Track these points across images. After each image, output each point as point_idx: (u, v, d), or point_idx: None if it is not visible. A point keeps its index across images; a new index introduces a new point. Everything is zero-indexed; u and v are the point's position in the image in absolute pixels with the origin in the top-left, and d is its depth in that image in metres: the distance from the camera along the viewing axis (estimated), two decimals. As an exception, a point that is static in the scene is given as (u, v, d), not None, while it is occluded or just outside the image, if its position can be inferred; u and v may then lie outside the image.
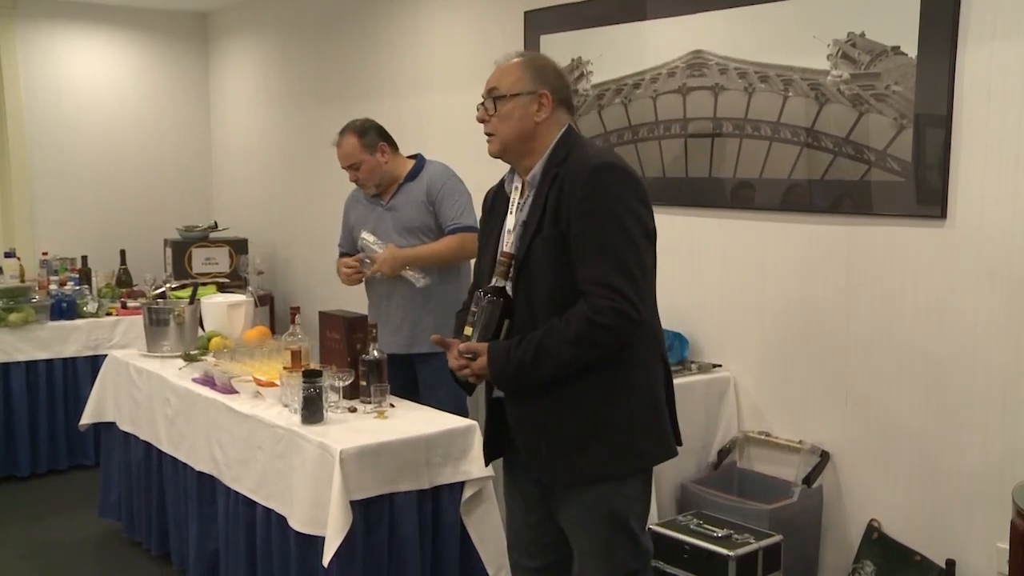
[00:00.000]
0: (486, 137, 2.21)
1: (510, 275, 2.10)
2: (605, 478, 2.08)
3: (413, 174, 3.58)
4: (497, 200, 2.28)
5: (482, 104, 2.20)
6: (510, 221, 2.17)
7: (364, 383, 3.00)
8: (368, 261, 3.47)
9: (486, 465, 2.42)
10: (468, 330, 2.11)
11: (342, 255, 3.79)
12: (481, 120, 2.20)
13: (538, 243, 2.06)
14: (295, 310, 3.49)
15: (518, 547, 2.34)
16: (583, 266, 2.00)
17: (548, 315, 2.03)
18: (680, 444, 2.23)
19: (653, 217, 2.11)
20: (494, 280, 2.11)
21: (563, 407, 2.06)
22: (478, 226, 3.49)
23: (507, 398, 2.16)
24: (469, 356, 2.09)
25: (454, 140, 4.66)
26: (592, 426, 2.06)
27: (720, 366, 3.61)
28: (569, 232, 2.01)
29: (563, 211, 2.02)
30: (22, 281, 5.11)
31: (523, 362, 2.01)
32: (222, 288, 5.21)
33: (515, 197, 2.19)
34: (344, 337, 3.05)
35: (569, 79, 2.28)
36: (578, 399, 2.06)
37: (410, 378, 3.52)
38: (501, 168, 2.28)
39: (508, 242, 2.15)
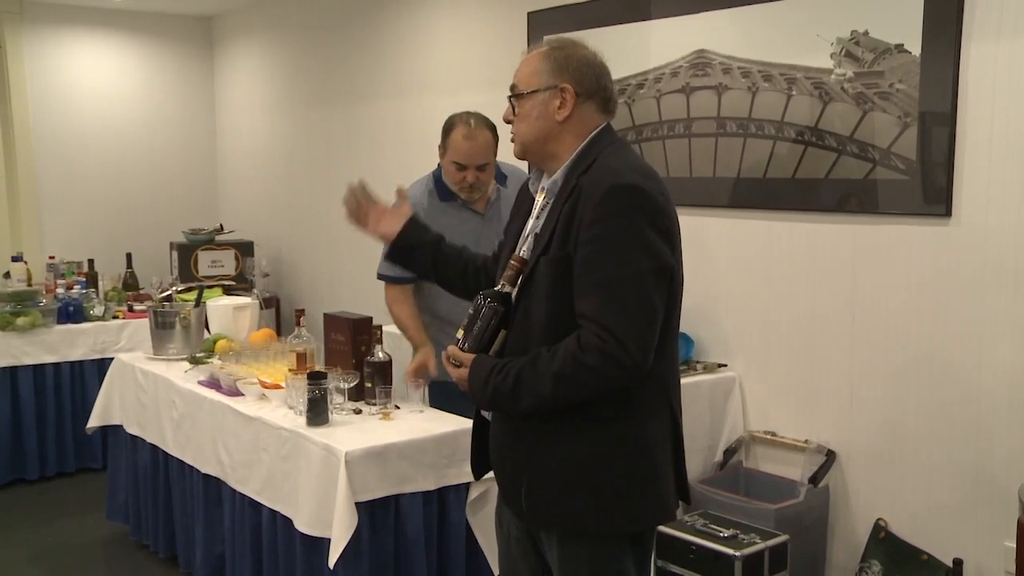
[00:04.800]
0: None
1: (518, 283, 1.90)
2: (583, 534, 1.88)
3: (500, 177, 3.20)
4: (526, 195, 2.06)
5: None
6: (528, 226, 1.98)
7: (369, 385, 3.00)
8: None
9: (476, 479, 2.22)
10: (460, 332, 1.93)
11: (395, 281, 3.14)
12: (506, 120, 1.98)
13: (543, 263, 1.84)
14: (300, 312, 3.49)
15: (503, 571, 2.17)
16: (580, 297, 1.78)
17: (541, 343, 1.83)
18: (688, 501, 2.03)
19: (675, 252, 1.85)
20: (500, 284, 1.90)
21: (546, 452, 1.87)
22: None
23: (491, 428, 2.01)
24: (455, 363, 1.92)
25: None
26: (574, 477, 1.85)
27: (725, 366, 3.60)
28: (575, 256, 1.80)
29: (573, 231, 1.80)
30: (29, 285, 5.12)
31: (499, 390, 1.82)
32: (228, 291, 5.22)
33: (539, 199, 1.97)
34: (349, 339, 3.05)
35: (607, 70, 1.95)
36: (564, 446, 1.85)
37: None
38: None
39: (524, 248, 1.95)
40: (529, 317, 1.87)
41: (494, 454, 2.02)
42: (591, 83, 1.90)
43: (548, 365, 1.78)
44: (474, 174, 3.04)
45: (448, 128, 3.07)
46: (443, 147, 3.09)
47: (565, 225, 1.82)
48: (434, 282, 2.28)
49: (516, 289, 1.90)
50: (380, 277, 3.17)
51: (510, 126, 1.98)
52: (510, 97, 1.95)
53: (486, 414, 2.06)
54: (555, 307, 1.82)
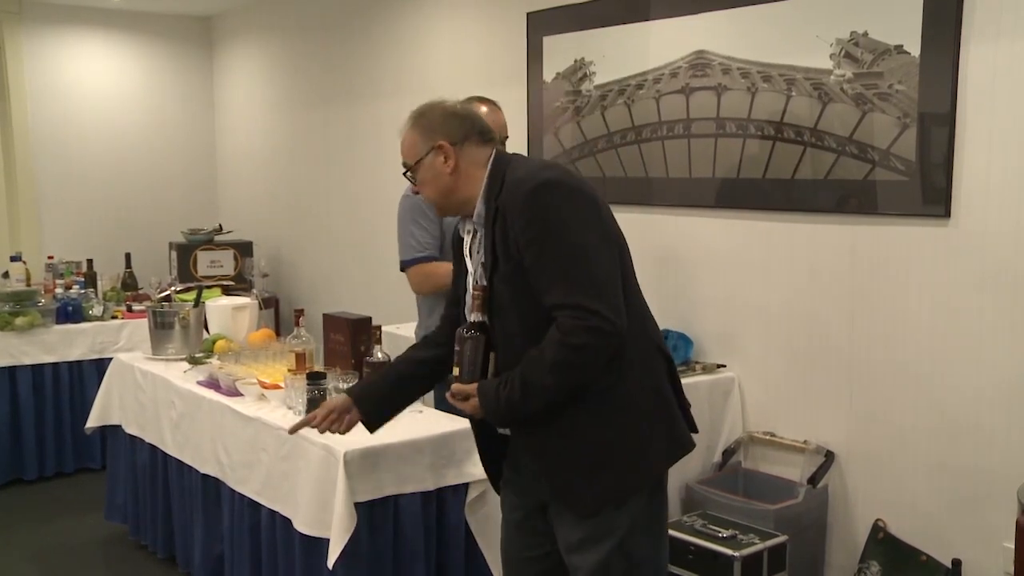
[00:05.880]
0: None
1: (486, 309, 2.04)
2: (620, 501, 2.01)
3: None
4: (458, 242, 2.22)
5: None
6: (468, 264, 2.14)
7: (368, 385, 3.00)
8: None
9: (500, 493, 2.32)
10: (455, 371, 2.06)
11: (421, 260, 3.13)
12: (414, 192, 2.18)
13: (498, 281, 2.00)
14: (299, 312, 3.49)
15: (508, 556, 2.27)
16: (545, 294, 1.92)
17: (527, 347, 1.96)
18: (696, 431, 2.15)
19: (604, 216, 2.00)
20: (471, 316, 2.05)
21: (569, 440, 1.99)
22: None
23: (512, 436, 2.12)
24: (461, 398, 2.04)
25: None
26: (598, 452, 1.99)
27: (724, 366, 3.60)
28: (523, 261, 1.94)
29: (511, 243, 1.96)
30: (28, 285, 5.11)
31: (512, 399, 1.95)
32: (227, 291, 5.22)
33: (468, 240, 2.14)
34: (348, 339, 3.06)
35: (469, 110, 2.18)
36: (582, 428, 1.98)
37: None
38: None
39: (478, 279, 2.10)
40: (507, 333, 2.01)
41: (527, 456, 2.10)
42: (458, 130, 2.09)
43: (543, 359, 1.92)
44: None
45: None
46: None
47: (502, 243, 1.98)
48: (424, 388, 2.41)
49: (486, 315, 2.03)
50: (406, 263, 3.14)
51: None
52: (405, 174, 2.14)
53: (504, 429, 2.13)
54: (524, 314, 1.98)
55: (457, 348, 2.06)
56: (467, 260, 2.14)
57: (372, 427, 2.37)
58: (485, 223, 2.04)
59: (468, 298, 2.10)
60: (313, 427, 2.35)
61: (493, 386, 1.99)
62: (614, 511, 2.01)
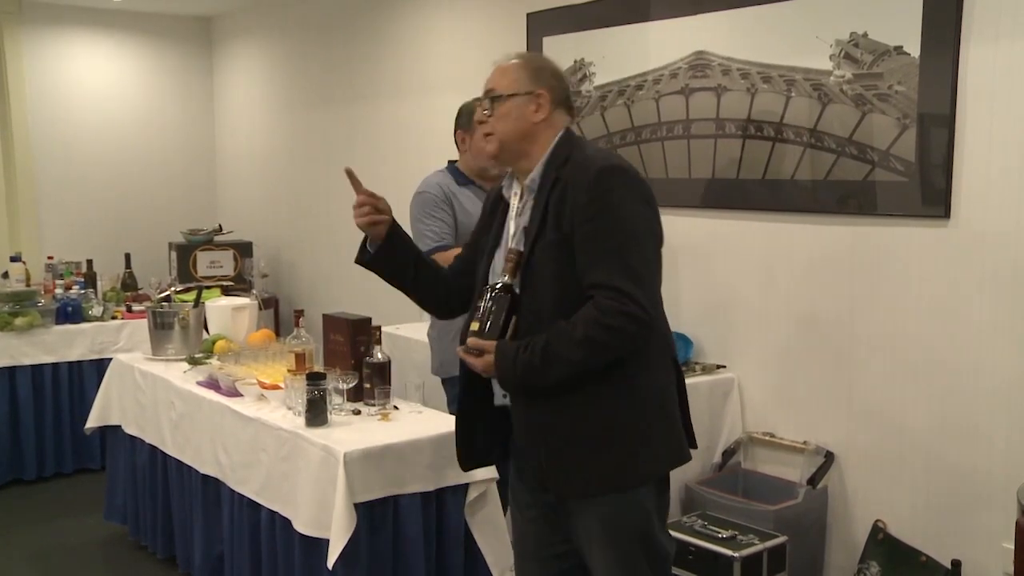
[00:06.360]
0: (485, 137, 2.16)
1: (517, 274, 2.04)
2: (616, 488, 2.02)
3: None
4: (499, 203, 2.22)
5: (480, 105, 2.18)
6: (511, 227, 2.13)
7: (368, 386, 3.00)
8: None
9: (464, 470, 2.31)
10: (474, 325, 2.04)
11: (439, 249, 3.07)
12: (480, 121, 2.17)
13: (540, 248, 2.00)
14: (299, 313, 3.49)
15: (522, 555, 2.28)
16: (590, 270, 1.94)
17: (554, 320, 1.97)
18: (695, 447, 2.16)
19: (659, 219, 2.05)
20: (503, 277, 2.04)
21: (572, 417, 2.00)
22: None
23: (513, 408, 2.11)
24: (476, 352, 2.02)
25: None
26: (602, 436, 2.00)
27: (724, 367, 3.60)
28: (573, 236, 1.96)
29: (566, 215, 1.97)
30: (28, 285, 5.11)
31: (530, 364, 1.94)
32: (227, 291, 5.22)
33: (515, 202, 2.14)
34: (348, 340, 3.05)
35: (569, 81, 2.21)
36: (587, 408, 2.00)
37: None
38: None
39: (514, 243, 2.10)
40: (537, 300, 2.01)
41: (524, 438, 2.11)
42: (561, 92, 2.14)
43: (573, 334, 1.92)
44: None
45: (474, 110, 3.06)
46: (470, 130, 3.14)
47: (556, 212, 1.99)
48: (410, 283, 2.29)
49: (517, 279, 2.02)
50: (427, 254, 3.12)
51: (482, 126, 2.15)
52: (490, 100, 2.14)
53: (505, 399, 2.13)
54: (562, 285, 1.98)
55: (480, 304, 2.05)
56: (510, 221, 2.14)
57: (379, 252, 2.20)
58: (540, 188, 2.05)
59: (500, 259, 2.10)
60: (357, 196, 2.16)
61: (513, 347, 1.98)
62: (623, 500, 2.02)
